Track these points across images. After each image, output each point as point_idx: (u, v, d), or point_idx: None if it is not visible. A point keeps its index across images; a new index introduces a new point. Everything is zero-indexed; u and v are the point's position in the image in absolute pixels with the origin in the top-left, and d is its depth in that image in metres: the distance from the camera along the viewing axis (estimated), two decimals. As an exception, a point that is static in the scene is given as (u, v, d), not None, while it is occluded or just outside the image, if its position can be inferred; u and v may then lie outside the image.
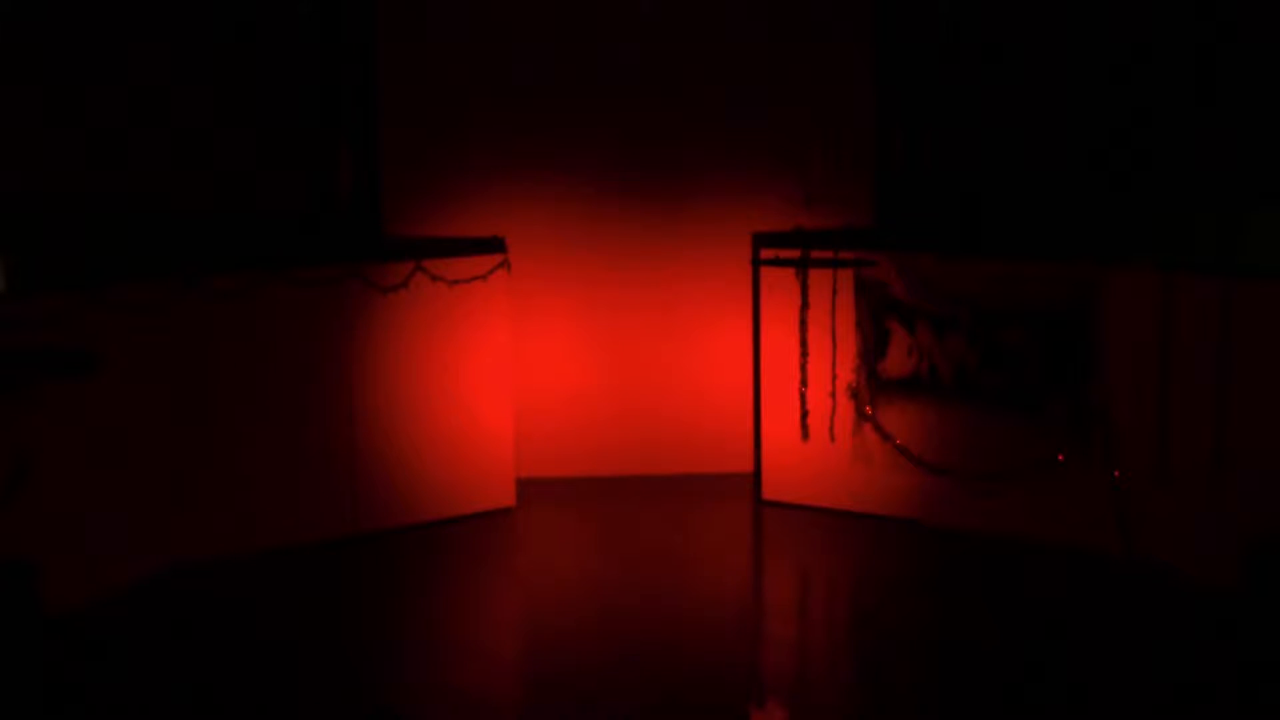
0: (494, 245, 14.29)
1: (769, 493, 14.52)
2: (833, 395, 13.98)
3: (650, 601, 12.16)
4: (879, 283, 13.67)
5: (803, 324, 14.10)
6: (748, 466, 15.05)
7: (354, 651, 11.26)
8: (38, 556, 10.94)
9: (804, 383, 14.17)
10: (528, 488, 14.61)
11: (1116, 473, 12.63)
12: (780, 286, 14.17)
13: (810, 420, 14.16)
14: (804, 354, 14.14)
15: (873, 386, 13.86)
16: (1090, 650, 10.79)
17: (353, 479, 13.51)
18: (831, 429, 14.03)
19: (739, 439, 15.03)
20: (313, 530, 13.31)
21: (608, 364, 15.19)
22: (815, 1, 14.87)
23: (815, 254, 13.03)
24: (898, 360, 13.72)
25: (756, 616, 12.11)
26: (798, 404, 14.19)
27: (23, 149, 13.16)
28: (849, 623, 12.00)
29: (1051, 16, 14.44)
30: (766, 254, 13.87)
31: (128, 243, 13.22)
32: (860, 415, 13.91)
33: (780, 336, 14.26)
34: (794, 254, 13.33)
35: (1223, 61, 13.46)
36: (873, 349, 13.83)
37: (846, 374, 13.95)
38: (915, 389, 13.65)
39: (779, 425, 14.36)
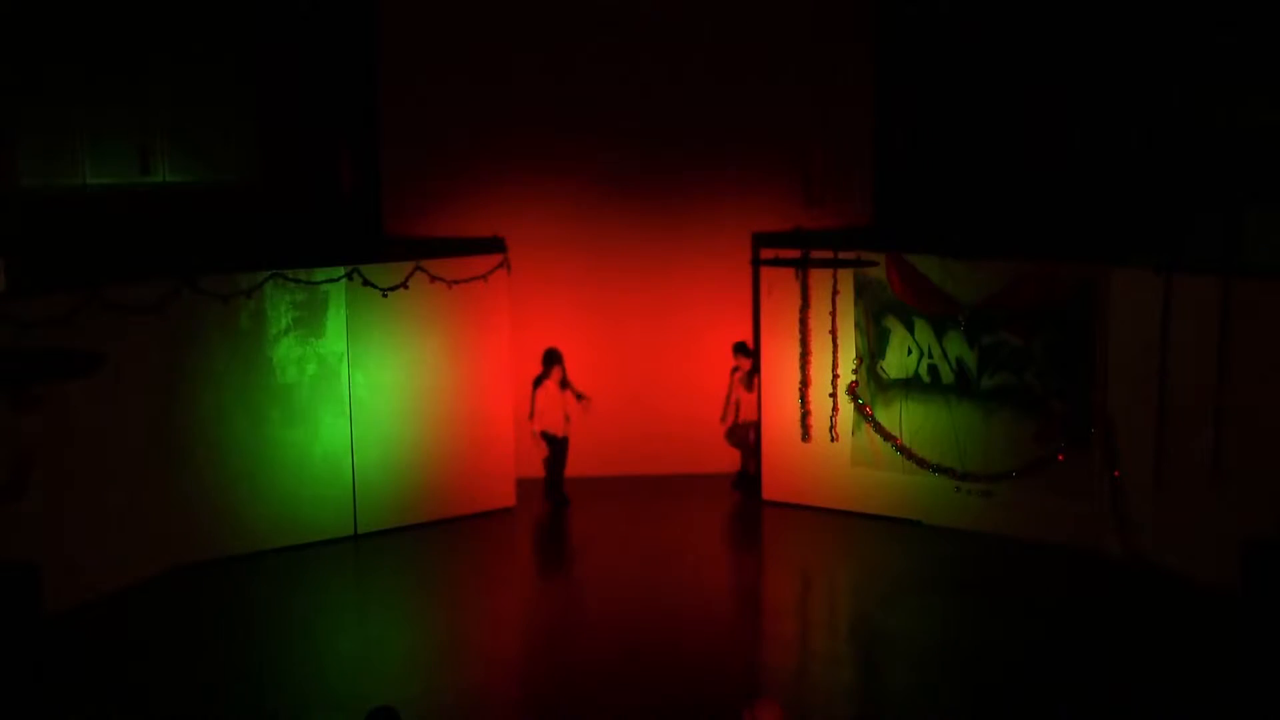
0: (494, 245, 14.31)
1: (769, 493, 14.53)
2: (833, 395, 13.98)
3: (650, 600, 12.16)
4: (879, 283, 13.67)
5: (803, 324, 14.10)
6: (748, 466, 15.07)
7: (354, 651, 11.28)
8: (38, 556, 10.98)
9: (804, 383, 14.17)
10: (528, 488, 14.61)
11: (1116, 473, 12.64)
12: (780, 286, 14.18)
13: (810, 420, 14.16)
14: (804, 354, 14.14)
15: (873, 386, 13.86)
16: (1090, 650, 10.80)
17: (353, 479, 13.52)
18: (831, 429, 14.03)
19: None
20: (313, 530, 13.34)
21: (608, 364, 15.18)
22: (815, 2, 14.86)
23: (815, 254, 13.03)
24: (898, 360, 13.72)
25: (756, 616, 12.12)
26: (798, 404, 14.19)
27: (27, 149, 13.21)
28: (849, 622, 12.01)
29: (1051, 18, 14.44)
30: (766, 254, 13.88)
31: (128, 243, 13.23)
32: (860, 415, 13.91)
33: (780, 336, 14.26)
34: (794, 254, 13.34)
35: (1221, 62, 13.47)
36: (873, 349, 13.83)
37: (846, 374, 13.95)
38: (915, 389, 13.65)
39: (779, 425, 14.37)
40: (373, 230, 14.82)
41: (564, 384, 14.33)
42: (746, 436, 14.92)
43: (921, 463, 13.61)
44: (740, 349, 14.74)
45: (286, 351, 13.09)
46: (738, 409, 14.77)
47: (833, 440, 14.05)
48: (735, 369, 14.71)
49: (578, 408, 14.46)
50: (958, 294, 13.27)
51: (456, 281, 13.78)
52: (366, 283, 13.32)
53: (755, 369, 14.61)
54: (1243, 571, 11.05)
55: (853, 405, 13.92)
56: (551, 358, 14.36)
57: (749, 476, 14.90)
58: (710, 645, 11.25)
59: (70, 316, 11.47)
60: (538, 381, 14.35)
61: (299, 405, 13.17)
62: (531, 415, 14.34)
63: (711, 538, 14.18)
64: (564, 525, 14.28)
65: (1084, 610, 11.72)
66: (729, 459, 15.10)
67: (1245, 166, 13.13)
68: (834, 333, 13.91)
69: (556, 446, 14.48)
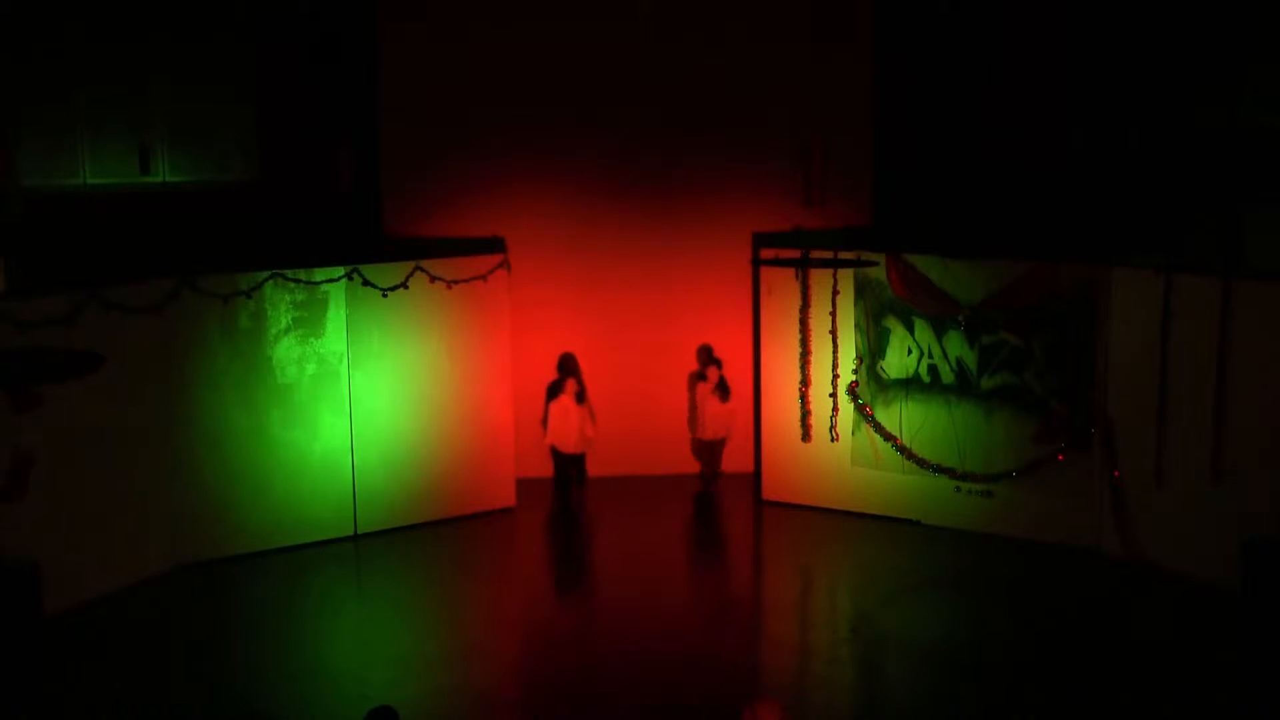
0: (494, 245, 14.31)
1: (769, 493, 14.53)
2: (833, 395, 13.98)
3: (650, 600, 12.17)
4: (879, 283, 13.67)
5: (802, 324, 14.10)
6: (748, 466, 15.07)
7: (354, 651, 11.28)
8: (38, 556, 10.98)
9: (804, 383, 14.17)
10: (528, 488, 14.60)
11: (1116, 473, 12.64)
12: (780, 286, 14.18)
13: (810, 421, 14.16)
14: (804, 354, 14.14)
15: (873, 386, 13.86)
16: (1090, 649, 10.81)
17: (353, 479, 13.52)
18: (832, 429, 14.03)
19: (739, 439, 15.03)
20: (313, 530, 13.33)
21: (608, 363, 15.17)
22: (815, 2, 14.86)
23: (815, 254, 13.02)
24: (898, 360, 13.72)
25: (756, 616, 12.12)
26: (798, 404, 14.20)
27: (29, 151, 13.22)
28: (849, 622, 12.01)
29: (1052, 18, 14.45)
30: (766, 254, 13.87)
31: (128, 243, 13.23)
32: (860, 415, 13.91)
33: (780, 336, 14.26)
34: (794, 254, 13.33)
35: (1221, 62, 13.48)
36: (873, 349, 13.83)
37: (846, 374, 13.95)
38: (915, 389, 13.65)
39: (779, 425, 14.37)
40: (373, 230, 14.81)
41: (580, 398, 14.12)
42: (718, 454, 14.77)
43: (921, 463, 13.61)
44: (709, 355, 14.56)
45: (286, 351, 13.09)
46: (707, 422, 14.55)
47: (833, 440, 14.05)
48: (702, 377, 14.52)
49: (596, 425, 14.33)
50: (958, 294, 13.27)
51: (456, 281, 13.77)
52: (366, 283, 13.32)
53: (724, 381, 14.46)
54: (1243, 571, 11.06)
55: (853, 405, 13.92)
56: (567, 370, 14.29)
57: (710, 488, 14.77)
58: (710, 645, 11.25)
59: (70, 316, 11.47)
60: (551, 391, 14.25)
61: (299, 405, 13.16)
62: (545, 427, 14.25)
63: (711, 538, 14.17)
64: (564, 525, 14.27)
65: (1084, 610, 11.72)
66: (729, 459, 15.05)
67: (1245, 166, 13.14)
68: (834, 333, 13.91)
69: (562, 463, 14.30)
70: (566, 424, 14.15)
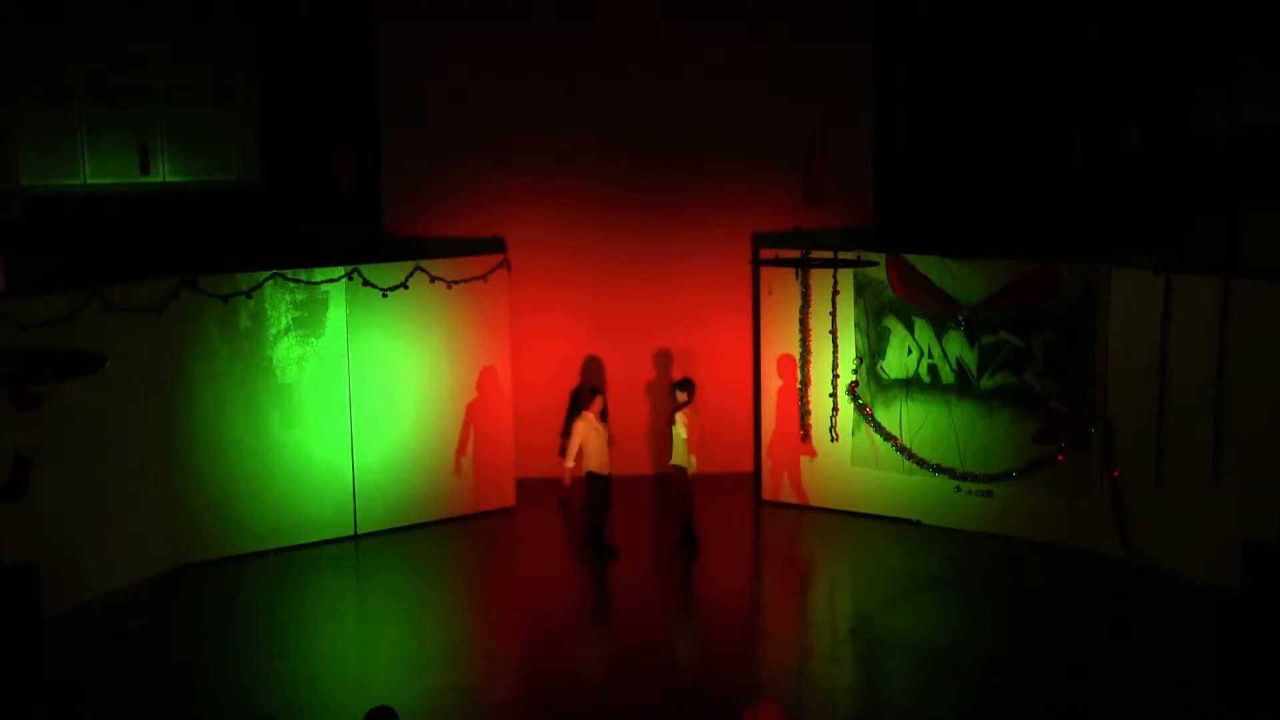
0: (494, 245, 14.31)
1: (769, 493, 14.53)
2: (833, 395, 13.98)
3: (650, 600, 12.17)
4: (879, 283, 13.67)
5: (802, 324, 14.10)
6: (748, 466, 15.07)
7: (354, 651, 11.28)
8: (38, 556, 10.98)
9: (804, 383, 14.17)
10: (528, 488, 14.60)
11: (1116, 473, 12.64)
12: (780, 286, 14.18)
13: (810, 420, 14.16)
14: (804, 354, 14.14)
15: (873, 386, 13.86)
16: (1090, 649, 10.81)
17: (353, 479, 13.51)
18: (831, 429, 14.03)
19: (739, 439, 15.04)
20: (313, 530, 13.33)
21: (607, 361, 15.17)
22: (815, 2, 14.86)
23: (815, 254, 13.03)
24: (898, 360, 13.72)
25: (756, 616, 12.12)
26: (798, 404, 14.19)
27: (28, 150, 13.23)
28: (849, 622, 12.01)
29: (1051, 18, 14.45)
30: (766, 254, 13.88)
31: (128, 243, 13.24)
32: (860, 415, 13.91)
33: (780, 336, 14.26)
34: (794, 254, 13.33)
35: (1221, 63, 13.48)
36: (873, 349, 13.83)
37: (846, 374, 13.95)
38: (915, 389, 13.65)
39: (779, 425, 14.37)
40: (373, 230, 14.82)
41: (604, 415, 13.26)
42: (689, 484, 13.48)
43: (921, 463, 13.61)
44: (681, 384, 13.56)
45: (286, 351, 13.08)
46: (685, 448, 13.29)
47: (833, 440, 14.05)
48: (680, 405, 13.26)
49: (614, 440, 13.59)
50: (958, 294, 13.27)
51: (456, 281, 13.77)
52: (366, 283, 13.31)
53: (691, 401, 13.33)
54: (1243, 571, 11.05)
55: (853, 405, 13.92)
56: (593, 384, 14.02)
57: (692, 532, 13.44)
58: (710, 645, 11.25)
59: (70, 316, 11.47)
60: (574, 405, 13.91)
61: (299, 405, 13.16)
62: (568, 454, 13.01)
63: (711, 537, 14.15)
64: (564, 526, 14.26)
65: (1084, 610, 11.72)
66: (729, 459, 15.04)
67: (1245, 167, 13.14)
68: (834, 333, 13.91)
69: (599, 486, 13.13)
70: (597, 443, 13.01)
